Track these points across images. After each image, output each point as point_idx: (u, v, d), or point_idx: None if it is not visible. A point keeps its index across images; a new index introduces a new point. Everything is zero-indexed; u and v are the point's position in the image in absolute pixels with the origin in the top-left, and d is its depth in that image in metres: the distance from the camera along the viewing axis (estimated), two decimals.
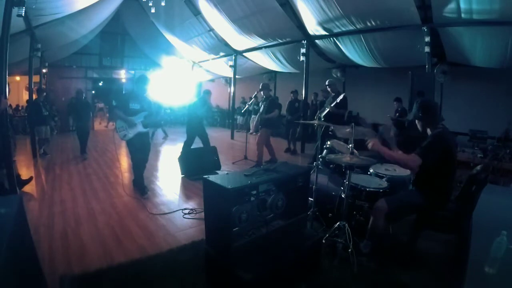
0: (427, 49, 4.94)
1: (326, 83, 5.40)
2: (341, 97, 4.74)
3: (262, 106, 5.62)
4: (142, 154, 4.08)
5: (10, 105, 6.13)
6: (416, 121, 2.35)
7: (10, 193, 3.54)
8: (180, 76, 12.84)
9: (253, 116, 10.95)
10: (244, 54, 9.16)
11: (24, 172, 4.85)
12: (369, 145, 2.23)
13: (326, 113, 4.92)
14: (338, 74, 9.02)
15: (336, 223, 2.49)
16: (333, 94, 5.20)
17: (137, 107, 3.95)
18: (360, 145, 2.45)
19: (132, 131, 3.88)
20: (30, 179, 4.33)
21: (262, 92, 5.75)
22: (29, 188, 4.15)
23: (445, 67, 6.25)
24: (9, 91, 4.31)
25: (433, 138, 2.15)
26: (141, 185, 4.06)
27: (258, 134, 5.69)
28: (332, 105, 4.86)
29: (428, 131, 2.30)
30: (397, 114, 6.78)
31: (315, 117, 5.16)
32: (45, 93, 6.88)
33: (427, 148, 2.09)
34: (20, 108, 11.62)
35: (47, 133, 6.49)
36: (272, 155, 5.69)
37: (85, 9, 6.31)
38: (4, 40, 3.57)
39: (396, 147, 2.37)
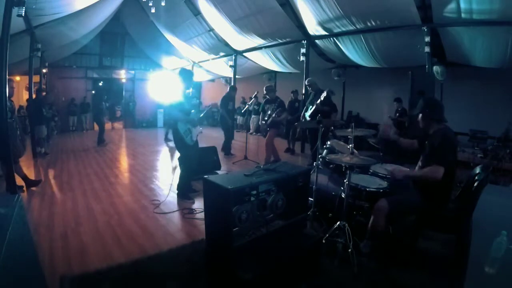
0: (427, 49, 4.94)
1: (306, 82, 5.46)
2: (324, 94, 4.79)
3: (271, 108, 5.73)
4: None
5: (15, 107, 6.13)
6: (420, 116, 2.34)
7: (10, 193, 3.54)
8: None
9: (253, 116, 11.01)
10: (244, 54, 9.16)
11: (25, 172, 4.85)
12: (396, 176, 2.31)
13: (313, 111, 4.96)
14: (338, 74, 9.02)
15: (336, 223, 2.49)
16: (313, 92, 5.26)
17: (188, 106, 3.65)
18: (360, 145, 2.45)
19: (195, 133, 3.62)
20: (39, 181, 4.33)
21: (268, 95, 5.91)
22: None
23: (439, 68, 6.23)
24: (12, 92, 4.29)
25: (442, 140, 2.13)
26: (190, 189, 3.88)
27: (267, 135, 5.76)
28: (318, 102, 4.91)
29: (430, 130, 2.30)
30: (397, 114, 6.80)
31: (301, 118, 5.24)
32: (44, 93, 6.91)
33: (442, 153, 2.09)
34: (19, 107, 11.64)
35: (45, 133, 6.52)
36: (268, 155, 5.73)
37: (85, 9, 6.31)
38: (4, 40, 3.56)
39: (399, 137, 2.42)
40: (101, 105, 8.48)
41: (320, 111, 4.82)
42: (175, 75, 3.83)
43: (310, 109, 5.09)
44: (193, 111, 3.71)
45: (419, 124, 2.38)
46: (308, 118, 5.06)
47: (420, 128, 2.40)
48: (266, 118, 5.83)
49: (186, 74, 3.79)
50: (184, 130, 3.57)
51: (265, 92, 5.91)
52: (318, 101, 4.90)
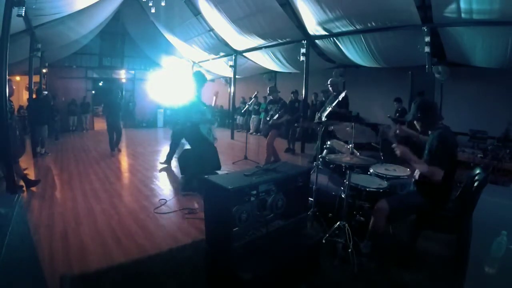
0: (427, 49, 4.93)
1: (328, 82, 5.41)
2: (343, 95, 4.74)
3: (274, 109, 5.76)
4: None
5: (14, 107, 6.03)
6: (415, 122, 2.35)
7: (10, 193, 3.54)
8: (181, 76, 12.82)
9: (253, 116, 11.01)
10: (244, 54, 9.16)
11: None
12: (398, 153, 2.23)
13: (329, 112, 4.93)
14: (341, 74, 9.00)
15: (336, 223, 2.49)
16: (334, 93, 5.21)
17: (202, 106, 3.84)
18: (360, 145, 2.45)
19: (214, 131, 3.87)
20: (38, 181, 4.33)
21: (271, 96, 5.96)
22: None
23: (439, 68, 6.23)
24: (12, 92, 4.29)
25: (439, 142, 2.13)
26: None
27: (268, 135, 5.77)
28: (334, 104, 4.87)
29: (429, 131, 2.31)
30: (397, 114, 6.79)
31: (316, 117, 5.20)
32: (46, 92, 6.90)
33: (440, 157, 2.09)
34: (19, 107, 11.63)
35: (46, 133, 6.53)
36: (269, 156, 5.73)
37: (85, 9, 6.31)
38: (4, 40, 3.57)
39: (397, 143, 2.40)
40: (118, 105, 7.07)
41: (336, 114, 4.81)
42: (189, 77, 3.97)
43: (327, 110, 5.06)
44: (204, 107, 3.84)
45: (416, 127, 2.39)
46: (324, 119, 5.03)
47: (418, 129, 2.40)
48: (268, 118, 5.84)
49: (199, 76, 3.93)
50: (206, 131, 3.73)
51: (268, 93, 5.97)
52: (335, 102, 4.86)
